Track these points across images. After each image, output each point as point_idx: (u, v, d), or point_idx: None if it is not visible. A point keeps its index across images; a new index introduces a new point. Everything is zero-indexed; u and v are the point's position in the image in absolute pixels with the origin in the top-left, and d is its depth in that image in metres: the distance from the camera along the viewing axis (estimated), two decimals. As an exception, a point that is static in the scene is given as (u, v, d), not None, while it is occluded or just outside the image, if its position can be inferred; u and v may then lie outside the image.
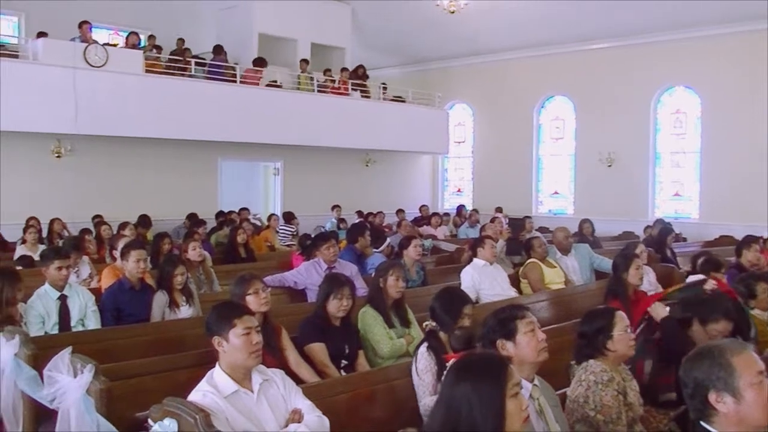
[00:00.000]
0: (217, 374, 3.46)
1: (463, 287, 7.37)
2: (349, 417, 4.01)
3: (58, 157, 13.16)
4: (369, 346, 5.31)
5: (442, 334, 4.42)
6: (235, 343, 3.46)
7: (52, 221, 11.67)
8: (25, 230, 10.53)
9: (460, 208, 17.56)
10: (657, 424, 4.14)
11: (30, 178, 12.81)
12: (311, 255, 8.00)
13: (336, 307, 5.07)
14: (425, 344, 4.37)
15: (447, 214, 16.65)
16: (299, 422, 3.44)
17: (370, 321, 5.36)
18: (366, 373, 4.81)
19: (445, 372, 2.91)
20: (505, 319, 3.55)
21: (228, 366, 3.47)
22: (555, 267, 8.12)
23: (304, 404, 3.54)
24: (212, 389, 3.37)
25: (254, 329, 3.54)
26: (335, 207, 16.10)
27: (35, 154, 12.92)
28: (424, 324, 4.59)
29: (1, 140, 12.08)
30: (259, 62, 15.37)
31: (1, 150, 12.28)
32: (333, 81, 16.74)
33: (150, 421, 3.27)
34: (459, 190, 20.66)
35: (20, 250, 10.06)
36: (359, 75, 17.55)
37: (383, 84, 18.28)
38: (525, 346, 3.45)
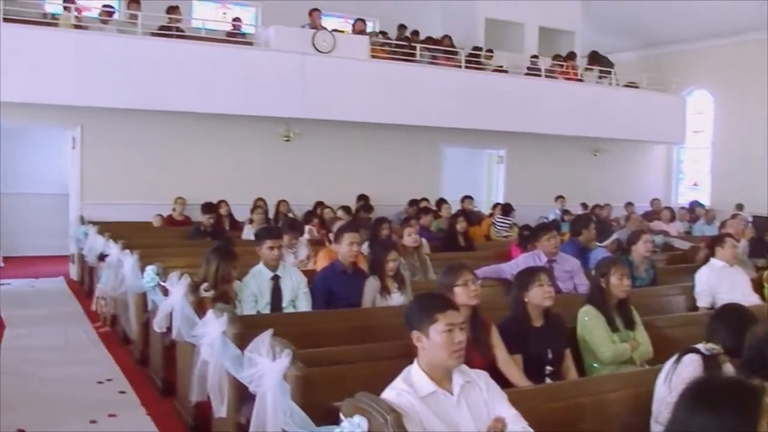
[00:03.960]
0: (415, 372, 3.18)
1: (697, 290, 6.73)
2: (558, 430, 3.58)
3: (286, 140, 13.58)
4: (587, 349, 4.82)
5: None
6: (436, 340, 3.16)
7: (278, 203, 12.14)
8: (252, 211, 10.95)
9: (695, 204, 16.29)
10: None
11: (259, 161, 13.35)
12: (530, 246, 7.60)
13: (540, 296, 4.60)
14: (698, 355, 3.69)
15: (681, 209, 15.52)
16: (502, 432, 3.08)
17: (590, 322, 4.86)
18: (580, 382, 4.36)
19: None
20: None
21: (427, 364, 3.18)
22: (810, 273, 7.15)
23: (509, 413, 3.16)
24: (408, 388, 3.09)
25: (458, 326, 3.21)
26: (559, 198, 15.51)
27: (265, 138, 13.42)
28: (705, 347, 3.75)
29: (235, 123, 12.75)
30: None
31: (234, 133, 12.97)
32: (562, 66, 16.08)
33: (341, 415, 3.06)
34: (695, 184, 19.18)
35: (247, 230, 10.47)
36: (601, 61, 16.71)
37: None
38: None
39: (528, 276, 4.68)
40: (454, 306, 3.36)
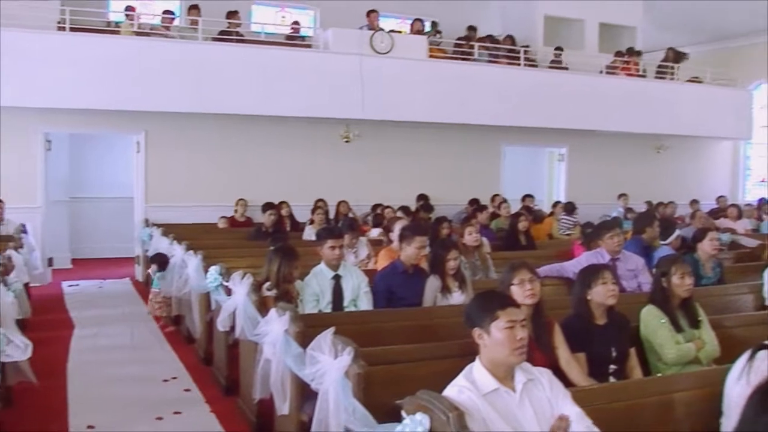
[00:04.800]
0: (477, 370, 3.17)
1: (765, 289, 6.55)
2: (622, 430, 3.50)
3: (346, 141, 13.65)
4: (651, 349, 4.72)
5: None
6: (497, 337, 3.15)
7: (338, 203, 12.22)
8: (313, 211, 11.03)
9: (763, 201, 15.85)
10: None
11: (319, 162, 13.44)
12: (593, 244, 7.49)
13: (603, 294, 4.52)
14: None
15: (748, 206, 15.12)
16: (566, 431, 3.04)
17: (653, 322, 4.76)
18: (645, 381, 4.27)
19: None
20: None
21: (489, 361, 3.16)
22: None
23: (573, 411, 3.13)
24: (470, 385, 3.08)
25: (519, 323, 3.19)
26: (622, 195, 15.29)
27: (325, 139, 13.50)
28: None
29: (295, 126, 12.89)
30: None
31: (294, 135, 13.11)
32: (626, 62, 15.82)
33: (403, 413, 3.05)
34: (763, 180, 18.67)
35: (308, 231, 10.55)
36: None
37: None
38: None
39: (591, 274, 4.61)
40: (515, 303, 3.34)
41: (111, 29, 12.16)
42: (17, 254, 8.44)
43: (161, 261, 9.02)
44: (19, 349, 4.78)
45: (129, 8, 12.27)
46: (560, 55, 15.22)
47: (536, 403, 3.14)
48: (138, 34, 11.84)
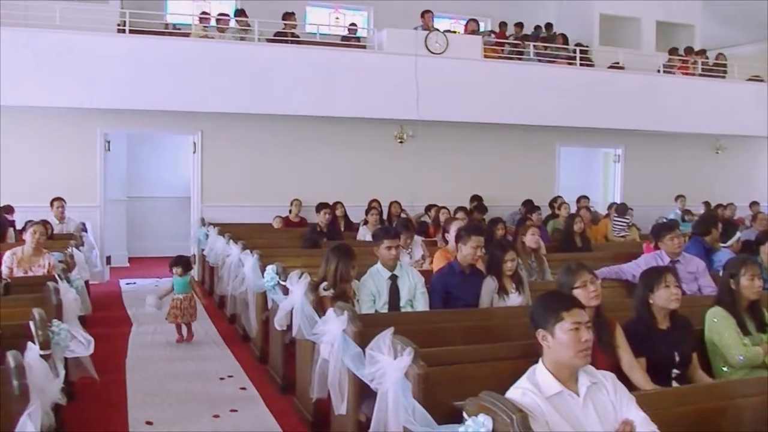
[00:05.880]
0: (540, 372, 3.14)
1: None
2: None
3: (400, 142, 13.64)
4: (716, 352, 4.62)
5: None
6: (562, 338, 3.11)
7: (390, 204, 12.23)
8: (367, 212, 11.04)
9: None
10: None
11: (373, 163, 13.46)
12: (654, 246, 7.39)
13: (666, 297, 4.41)
14: None
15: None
16: (631, 435, 2.99)
17: (720, 324, 4.65)
18: (712, 385, 4.18)
19: None
20: None
21: (552, 363, 3.13)
22: None
23: (638, 416, 3.08)
24: (533, 388, 3.05)
25: (584, 324, 3.15)
26: (679, 197, 15.00)
27: (379, 139, 13.52)
28: None
29: (349, 126, 12.94)
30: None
31: (348, 135, 13.16)
32: (683, 61, 15.54)
33: (464, 414, 3.03)
34: (826, 181, 18.17)
35: (362, 231, 10.57)
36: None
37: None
38: None
39: (654, 277, 4.51)
40: (580, 304, 3.30)
41: (169, 31, 12.34)
42: (78, 252, 8.62)
43: (184, 263, 8.49)
44: (82, 345, 4.86)
45: (203, 12, 12.51)
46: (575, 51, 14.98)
47: (600, 407, 3.10)
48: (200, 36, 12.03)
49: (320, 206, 10.71)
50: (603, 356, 4.02)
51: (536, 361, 3.25)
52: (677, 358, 4.39)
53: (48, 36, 10.70)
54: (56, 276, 6.42)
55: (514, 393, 3.06)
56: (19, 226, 9.64)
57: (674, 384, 4.31)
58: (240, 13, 12.85)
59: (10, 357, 3.62)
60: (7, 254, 7.17)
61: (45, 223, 8.07)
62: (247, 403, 6.17)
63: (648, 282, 4.51)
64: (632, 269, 6.93)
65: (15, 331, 4.38)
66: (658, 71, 15.12)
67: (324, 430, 5.21)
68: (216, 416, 5.79)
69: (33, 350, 3.92)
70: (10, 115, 11.07)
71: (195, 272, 12.41)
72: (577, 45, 14.78)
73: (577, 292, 4.23)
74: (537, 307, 3.31)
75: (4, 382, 3.53)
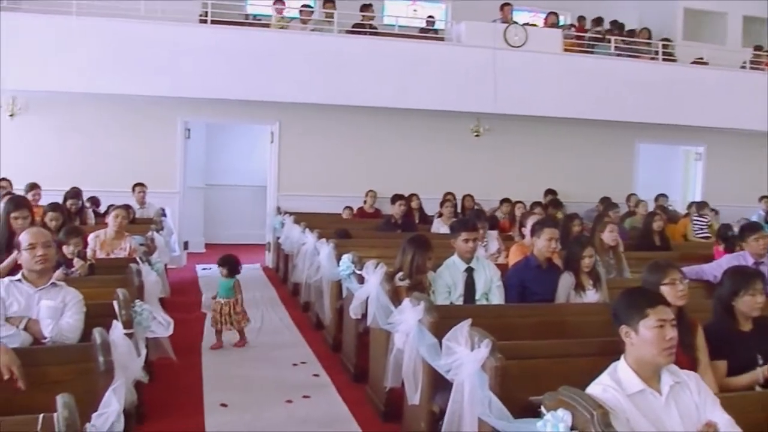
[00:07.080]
0: (622, 369, 3.08)
1: None
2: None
3: (476, 135, 13.57)
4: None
5: None
6: (646, 335, 3.04)
7: (464, 197, 12.19)
8: (442, 204, 11.01)
9: None
10: None
11: (449, 155, 13.39)
12: (735, 247, 7.17)
13: (749, 305, 4.26)
14: None
15: None
16: (715, 438, 2.91)
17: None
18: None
19: None
20: None
21: (635, 361, 3.07)
22: None
23: (723, 418, 3.00)
24: (615, 385, 3.00)
25: (669, 322, 3.08)
26: (763, 198, 14.50)
27: (456, 133, 13.44)
28: None
29: (426, 118, 12.93)
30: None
31: (425, 127, 13.15)
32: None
33: (543, 409, 3.00)
34: None
35: (437, 224, 10.54)
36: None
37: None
38: None
39: (742, 281, 4.33)
40: (665, 301, 3.22)
41: (249, 22, 12.51)
42: (159, 236, 8.82)
43: (231, 264, 7.90)
44: (162, 326, 4.97)
45: (279, 2, 12.61)
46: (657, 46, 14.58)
47: (683, 408, 3.03)
48: (280, 27, 12.17)
49: (395, 198, 10.70)
50: (684, 357, 3.92)
51: (616, 359, 3.19)
52: (761, 362, 4.24)
53: (133, 27, 10.98)
54: (137, 258, 6.59)
55: (594, 389, 3.01)
56: (102, 210, 9.90)
57: (757, 388, 4.18)
58: (328, 2, 12.89)
59: (96, 334, 3.73)
60: (91, 237, 7.36)
61: (127, 207, 8.25)
62: (319, 390, 6.24)
63: (735, 284, 4.35)
64: (714, 270, 6.73)
65: (100, 310, 4.49)
66: (743, 67, 14.66)
67: (396, 421, 5.23)
68: (289, 401, 5.86)
69: (117, 328, 4.03)
70: (97, 103, 11.44)
71: (269, 260, 12.64)
72: (662, 40, 14.44)
73: (665, 290, 4.14)
74: (621, 302, 3.25)
75: (91, 358, 3.64)
